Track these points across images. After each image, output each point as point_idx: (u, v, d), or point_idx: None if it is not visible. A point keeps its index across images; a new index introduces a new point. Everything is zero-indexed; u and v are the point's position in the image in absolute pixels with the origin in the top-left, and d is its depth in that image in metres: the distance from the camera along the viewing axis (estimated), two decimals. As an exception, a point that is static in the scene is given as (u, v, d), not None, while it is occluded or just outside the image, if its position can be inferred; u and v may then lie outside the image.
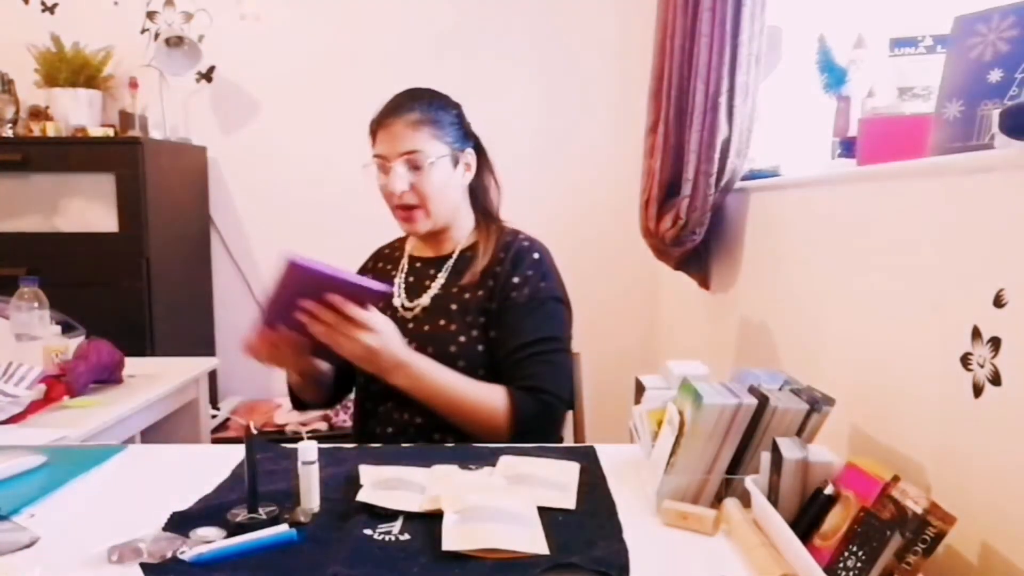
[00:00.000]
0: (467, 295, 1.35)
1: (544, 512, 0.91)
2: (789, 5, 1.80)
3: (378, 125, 1.36)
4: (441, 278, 1.39)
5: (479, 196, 1.45)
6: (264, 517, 0.88)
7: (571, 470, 1.07)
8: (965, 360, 0.85)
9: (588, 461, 1.11)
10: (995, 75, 0.92)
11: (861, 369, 1.12)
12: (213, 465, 1.09)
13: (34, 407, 1.40)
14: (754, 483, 0.89)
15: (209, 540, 0.83)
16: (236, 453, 1.11)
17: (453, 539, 0.83)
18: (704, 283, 1.97)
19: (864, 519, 0.77)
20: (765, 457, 0.89)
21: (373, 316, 1.15)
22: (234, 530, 0.86)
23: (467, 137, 1.40)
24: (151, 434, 1.70)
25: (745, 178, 1.67)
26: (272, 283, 1.11)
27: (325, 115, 2.79)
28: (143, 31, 2.77)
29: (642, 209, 1.89)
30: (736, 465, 0.94)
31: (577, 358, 1.50)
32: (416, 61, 2.76)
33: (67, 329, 1.72)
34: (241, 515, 0.89)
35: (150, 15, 2.77)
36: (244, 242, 2.87)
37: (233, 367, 2.83)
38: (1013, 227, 0.79)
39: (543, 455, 1.12)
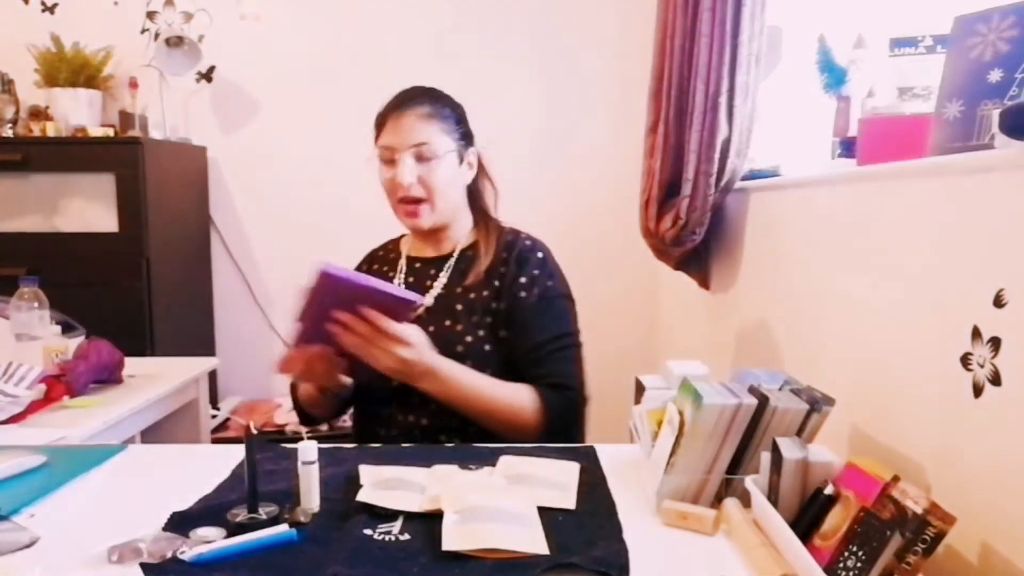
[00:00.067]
0: (472, 295, 1.35)
1: (544, 512, 0.91)
2: (789, 5, 1.80)
3: (387, 116, 1.35)
4: (443, 278, 1.38)
5: (476, 197, 1.46)
6: (264, 517, 0.88)
7: (571, 470, 1.07)
8: (965, 360, 0.85)
9: (588, 461, 1.11)
10: (995, 75, 0.92)
11: (861, 369, 1.12)
12: (213, 465, 1.09)
13: (34, 407, 1.40)
14: (754, 483, 0.89)
15: (209, 540, 0.83)
16: (236, 453, 1.11)
17: (453, 539, 0.83)
18: (704, 283, 1.97)
19: (864, 519, 0.77)
20: (765, 457, 0.89)
21: (407, 329, 1.15)
22: (234, 530, 0.86)
23: (470, 137, 1.41)
24: (151, 434, 1.69)
25: (745, 178, 1.67)
26: (304, 293, 1.10)
27: (325, 115, 2.79)
28: (143, 31, 2.77)
29: (642, 209, 1.89)
30: (736, 465, 0.94)
31: (577, 357, 1.49)
32: (416, 61, 2.76)
33: (67, 329, 1.72)
34: (241, 515, 0.89)
35: (150, 15, 2.77)
36: (244, 242, 2.87)
37: (233, 367, 2.83)
38: (1013, 227, 0.79)
39: (543, 455, 1.12)
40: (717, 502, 0.94)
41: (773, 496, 0.87)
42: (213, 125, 2.82)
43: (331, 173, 2.80)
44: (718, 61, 1.58)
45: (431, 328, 1.31)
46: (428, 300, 1.36)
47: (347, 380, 1.28)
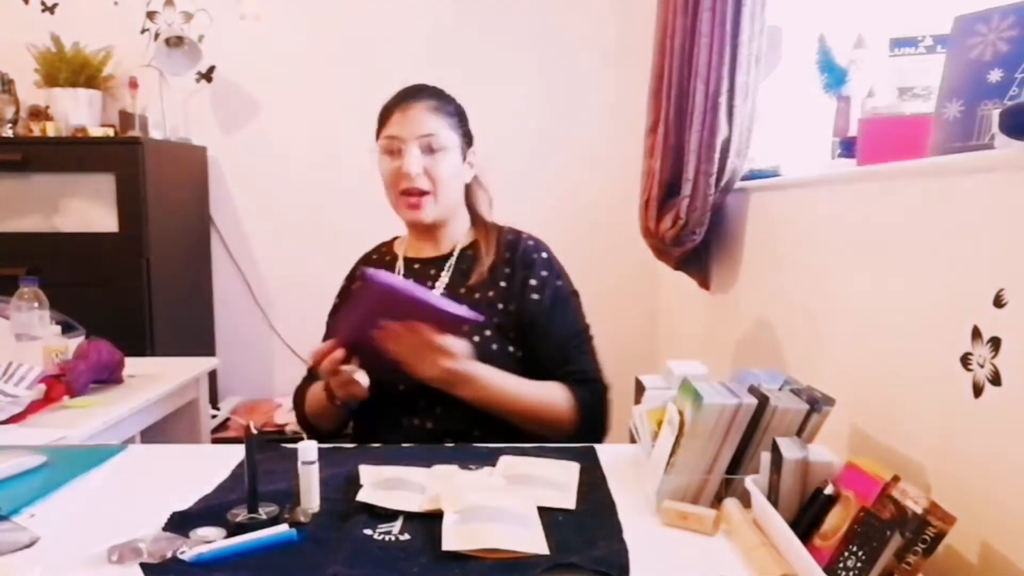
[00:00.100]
0: (477, 295, 1.34)
1: (544, 512, 0.91)
2: (789, 5, 1.80)
3: (393, 109, 1.35)
4: (444, 277, 1.38)
5: (473, 198, 1.46)
6: (264, 517, 0.88)
7: (571, 470, 1.07)
8: (965, 360, 0.85)
9: (588, 461, 1.11)
10: (995, 75, 0.92)
11: (861, 369, 1.12)
12: (213, 465, 1.09)
13: (34, 407, 1.40)
14: (754, 483, 0.89)
15: (209, 540, 0.83)
16: (236, 453, 1.11)
17: (453, 539, 0.83)
18: (704, 283, 1.97)
19: (864, 519, 0.77)
20: (765, 457, 0.89)
21: (454, 341, 1.16)
22: (234, 530, 0.86)
23: (470, 138, 1.42)
24: (151, 434, 1.69)
25: (745, 178, 1.67)
26: (356, 298, 1.10)
27: (325, 115, 2.79)
28: (143, 31, 2.77)
29: (642, 209, 1.89)
30: (736, 465, 0.94)
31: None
32: (416, 61, 2.76)
33: (67, 329, 1.72)
34: (241, 515, 0.89)
35: (150, 15, 2.77)
36: (244, 242, 2.87)
37: (233, 367, 2.83)
38: (1013, 227, 0.79)
39: (543, 455, 1.12)
40: (717, 502, 0.94)
41: (773, 496, 0.87)
42: (213, 125, 2.82)
43: (331, 173, 2.80)
44: (718, 61, 1.58)
45: None
46: None
47: (363, 390, 1.23)
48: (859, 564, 0.74)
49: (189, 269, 2.71)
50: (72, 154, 2.37)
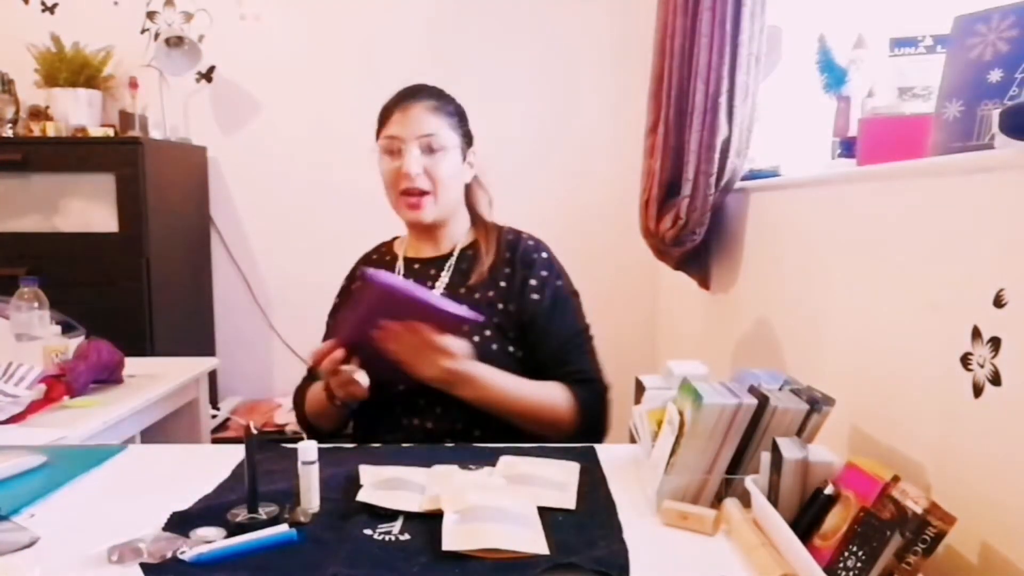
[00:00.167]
0: (477, 295, 1.34)
1: (544, 512, 0.91)
2: (789, 5, 1.80)
3: (393, 109, 1.35)
4: (444, 277, 1.38)
5: (472, 199, 1.46)
6: (264, 517, 0.88)
7: (571, 470, 1.07)
8: (965, 360, 0.85)
9: (588, 461, 1.11)
10: (995, 75, 0.92)
11: (861, 369, 1.12)
12: (213, 465, 1.09)
13: (34, 407, 1.40)
14: (754, 483, 0.89)
15: (209, 540, 0.83)
16: (236, 453, 1.11)
17: (453, 539, 0.83)
18: (704, 283, 1.97)
19: (864, 519, 0.77)
20: (765, 457, 0.89)
21: (453, 341, 1.16)
22: (234, 530, 0.86)
23: (470, 138, 1.42)
24: (151, 434, 1.69)
25: (745, 178, 1.67)
26: (356, 298, 1.10)
27: (325, 115, 2.79)
28: (143, 31, 2.77)
29: (642, 209, 1.89)
30: (736, 465, 0.94)
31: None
32: (416, 61, 2.76)
33: (67, 329, 1.72)
34: (241, 515, 0.89)
35: (150, 15, 2.77)
36: (244, 242, 2.87)
37: (233, 367, 2.83)
38: (1013, 227, 0.79)
39: (543, 455, 1.12)
40: (717, 502, 0.94)
41: (773, 496, 0.87)
42: (213, 125, 2.82)
43: (331, 173, 2.80)
44: (718, 61, 1.58)
45: None
46: None
47: (363, 390, 1.23)
48: (859, 564, 0.74)
49: (189, 269, 2.71)
50: (72, 154, 2.37)
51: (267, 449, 1.13)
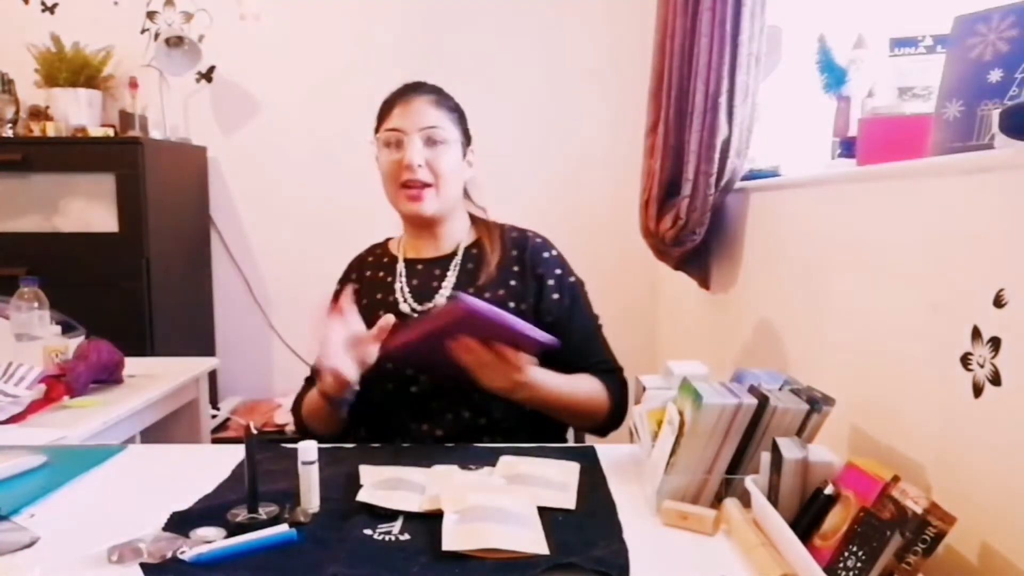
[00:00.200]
0: (487, 294, 1.32)
1: (544, 512, 0.91)
2: (789, 5, 1.80)
3: (394, 102, 1.34)
4: (451, 277, 1.36)
5: (470, 197, 1.45)
6: (264, 517, 0.88)
7: (571, 470, 1.07)
8: (965, 360, 0.85)
9: (588, 461, 1.11)
10: (995, 75, 0.92)
11: (861, 369, 1.12)
12: (213, 465, 1.09)
13: (34, 407, 1.40)
14: (754, 483, 0.89)
15: (209, 540, 0.83)
16: (236, 453, 1.11)
17: (453, 539, 0.83)
18: (704, 283, 1.97)
19: (864, 519, 0.77)
20: (765, 457, 0.89)
21: (524, 356, 1.15)
22: (234, 530, 0.86)
23: (469, 137, 1.41)
24: (151, 434, 1.69)
25: (745, 178, 1.67)
26: (436, 316, 1.10)
27: (325, 115, 2.79)
28: (143, 31, 2.77)
29: (642, 209, 1.89)
30: (736, 465, 0.94)
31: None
32: (416, 61, 2.76)
33: (67, 329, 1.72)
34: (241, 515, 0.89)
35: (150, 15, 2.77)
36: (244, 242, 2.87)
37: (233, 367, 2.84)
38: (1013, 227, 0.79)
39: (543, 455, 1.12)
40: (717, 502, 0.94)
41: (773, 496, 0.87)
42: (213, 125, 2.82)
43: (331, 173, 2.80)
44: (718, 61, 1.58)
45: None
46: (440, 301, 1.33)
47: (350, 383, 1.21)
48: (859, 564, 0.74)
49: (189, 269, 2.71)
50: (72, 154, 2.37)
51: (267, 449, 1.13)
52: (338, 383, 1.18)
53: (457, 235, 1.41)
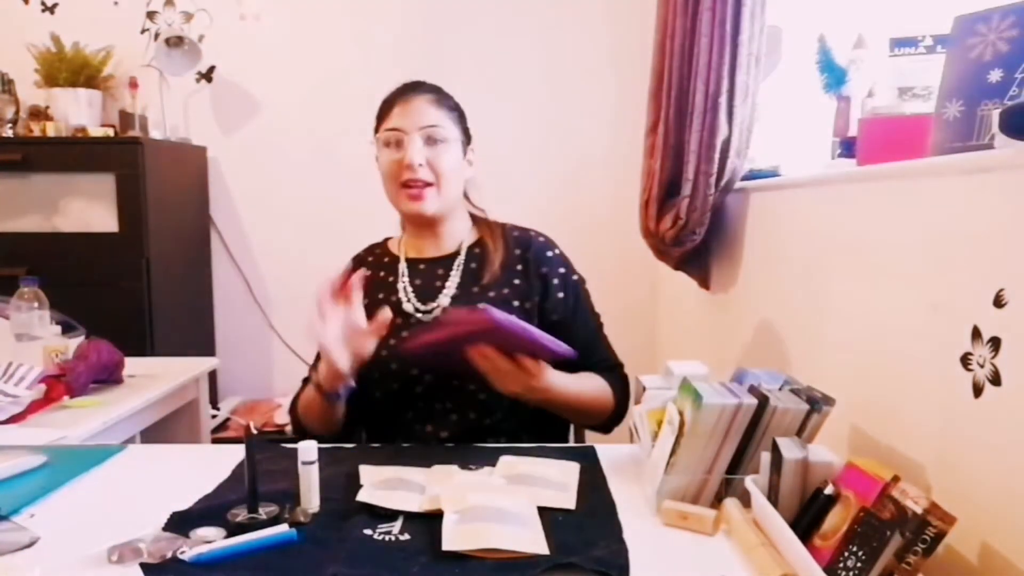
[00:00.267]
0: (492, 293, 1.32)
1: (544, 512, 0.91)
2: (789, 5, 1.80)
3: (394, 101, 1.34)
4: (455, 277, 1.35)
5: (470, 197, 1.45)
6: (264, 517, 0.88)
7: (571, 470, 1.07)
8: (965, 360, 0.85)
9: (588, 461, 1.11)
10: (995, 75, 0.92)
11: (861, 369, 1.12)
12: (213, 465, 1.09)
13: (34, 407, 1.40)
14: (754, 483, 0.89)
15: (209, 540, 0.83)
16: (236, 453, 1.11)
17: (453, 539, 0.83)
18: (704, 283, 1.97)
19: (864, 519, 0.77)
20: (765, 457, 0.89)
21: (541, 365, 1.15)
22: (234, 530, 0.86)
23: (469, 137, 1.41)
24: (151, 434, 1.70)
25: (745, 178, 1.67)
26: (459, 321, 1.10)
27: (325, 115, 2.79)
28: (143, 31, 2.77)
29: (642, 209, 1.89)
30: (736, 465, 0.94)
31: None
32: (416, 61, 2.76)
33: (67, 329, 1.72)
34: (241, 515, 0.89)
35: (150, 15, 2.77)
36: (244, 242, 2.87)
37: (233, 367, 2.84)
38: (1013, 227, 0.79)
39: (543, 455, 1.12)
40: (717, 502, 0.94)
41: (773, 496, 0.87)
42: (213, 125, 2.82)
43: (331, 173, 2.80)
44: (718, 61, 1.58)
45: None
46: (444, 301, 1.32)
47: (346, 375, 1.20)
48: (859, 564, 0.74)
49: (189, 269, 2.71)
50: (72, 154, 2.37)
51: (267, 449, 1.13)
52: (332, 374, 1.17)
53: (459, 234, 1.40)
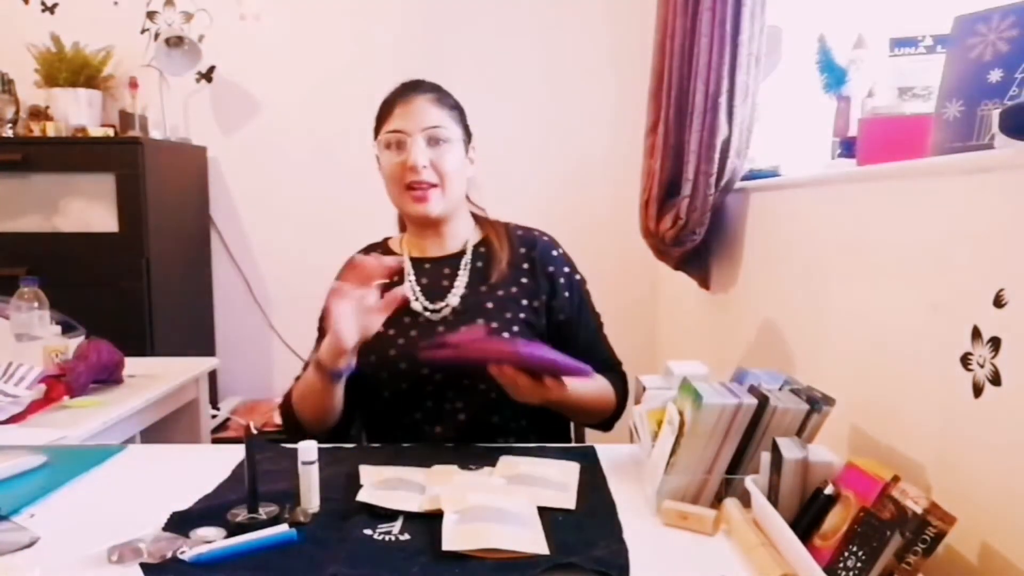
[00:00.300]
0: (501, 292, 1.32)
1: (544, 512, 0.91)
2: (789, 5, 1.80)
3: (394, 102, 1.33)
4: (463, 276, 1.34)
5: (472, 195, 1.45)
6: (264, 517, 0.88)
7: (571, 470, 1.07)
8: (965, 360, 0.85)
9: (588, 461, 1.11)
10: (995, 75, 0.92)
11: (861, 369, 1.12)
12: (213, 465, 1.09)
13: (34, 407, 1.40)
14: (754, 483, 0.89)
15: (209, 540, 0.83)
16: (236, 453, 1.11)
17: (453, 539, 0.83)
18: (704, 283, 1.97)
19: (864, 519, 0.77)
20: (765, 457, 0.89)
21: (560, 382, 1.15)
22: (234, 530, 0.86)
23: (470, 135, 1.40)
24: (151, 434, 1.69)
25: (745, 178, 1.67)
26: (480, 346, 1.10)
27: (325, 115, 2.79)
28: (143, 31, 2.77)
29: (642, 209, 1.89)
30: (736, 465, 0.94)
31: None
32: (416, 61, 2.76)
33: (67, 329, 1.72)
34: (241, 515, 0.89)
35: (150, 15, 2.77)
36: (244, 242, 2.87)
37: (233, 367, 2.83)
38: (1013, 227, 0.79)
39: (543, 455, 1.12)
40: (717, 502, 0.94)
41: (773, 496, 0.87)
42: (213, 125, 2.82)
43: (331, 173, 2.80)
44: (718, 61, 1.58)
45: (462, 328, 1.27)
46: (453, 301, 1.31)
47: (349, 349, 1.16)
48: (859, 564, 0.74)
49: (189, 269, 2.71)
50: (72, 154, 2.37)
51: (267, 449, 1.13)
52: (336, 350, 1.14)
53: (462, 233, 1.40)
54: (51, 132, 2.43)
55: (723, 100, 1.58)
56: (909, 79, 1.30)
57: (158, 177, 2.41)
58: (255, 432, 0.90)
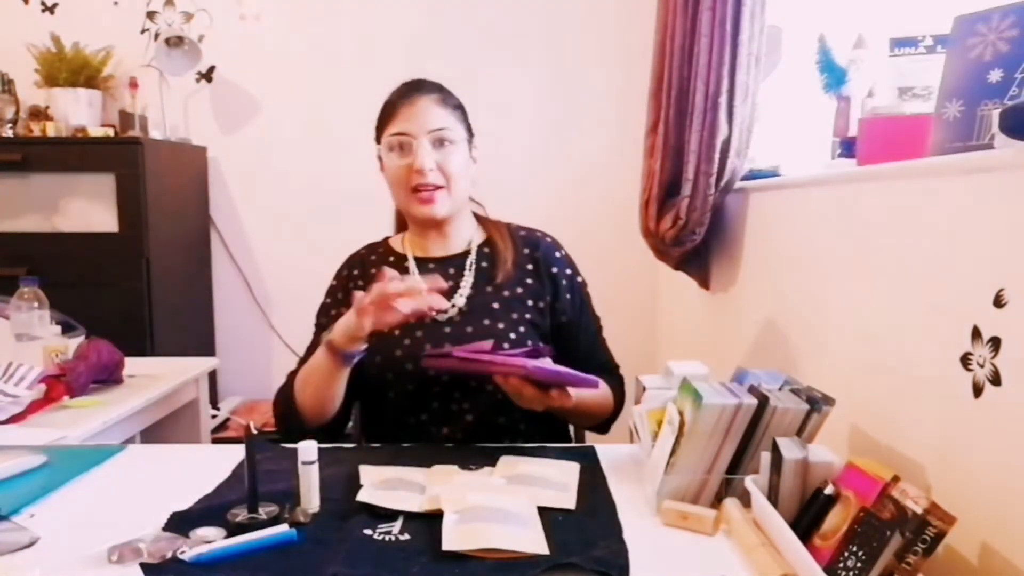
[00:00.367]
0: (506, 292, 1.32)
1: (544, 512, 0.91)
2: (789, 5, 1.80)
3: (397, 104, 1.31)
4: (468, 277, 1.33)
5: (473, 195, 1.45)
6: (264, 517, 0.88)
7: (571, 470, 1.07)
8: (965, 360, 0.85)
9: (588, 461, 1.11)
10: (995, 75, 0.92)
11: (861, 369, 1.12)
12: (213, 465, 1.09)
13: (34, 407, 1.40)
14: (754, 483, 0.89)
15: (209, 540, 0.83)
16: (236, 453, 1.11)
17: (453, 539, 0.83)
18: (704, 283, 1.97)
19: (864, 519, 0.77)
20: (765, 457, 0.89)
21: (567, 392, 1.14)
22: (234, 530, 0.86)
23: (471, 134, 1.39)
24: (151, 434, 1.70)
25: (745, 178, 1.67)
26: (488, 361, 1.10)
27: (325, 115, 2.79)
28: (143, 31, 2.77)
29: (642, 209, 1.89)
30: (736, 465, 0.94)
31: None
32: (417, 61, 2.76)
33: (67, 329, 1.72)
34: (241, 515, 0.89)
35: (150, 15, 2.77)
36: (244, 242, 2.87)
37: (233, 367, 2.83)
38: (1013, 227, 0.79)
39: (543, 455, 1.12)
40: (717, 502, 0.94)
41: (773, 496, 0.87)
42: (213, 125, 2.82)
43: (331, 173, 2.80)
44: (718, 61, 1.58)
45: (469, 329, 1.28)
46: (460, 301, 1.30)
47: (362, 333, 1.14)
48: (859, 564, 0.74)
49: (189, 269, 2.71)
50: (72, 154, 2.37)
51: (267, 449, 1.13)
52: (351, 335, 1.13)
53: (466, 233, 1.39)
54: (51, 132, 2.43)
55: (723, 100, 1.58)
56: (909, 79, 1.30)
57: (158, 177, 2.41)
58: (255, 432, 0.90)
